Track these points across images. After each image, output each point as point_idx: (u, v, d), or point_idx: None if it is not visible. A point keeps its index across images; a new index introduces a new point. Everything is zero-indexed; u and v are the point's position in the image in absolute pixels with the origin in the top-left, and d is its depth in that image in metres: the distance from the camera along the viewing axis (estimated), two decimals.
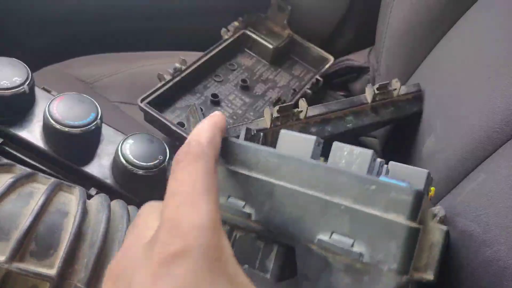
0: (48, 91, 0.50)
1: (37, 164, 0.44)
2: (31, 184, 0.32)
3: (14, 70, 0.44)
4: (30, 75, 0.45)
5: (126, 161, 0.43)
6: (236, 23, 0.66)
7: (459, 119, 0.44)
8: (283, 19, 0.67)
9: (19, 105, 0.45)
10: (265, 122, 0.44)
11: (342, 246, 0.22)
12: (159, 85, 0.55)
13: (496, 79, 0.41)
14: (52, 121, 0.43)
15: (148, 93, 0.54)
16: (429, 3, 0.55)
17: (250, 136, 0.29)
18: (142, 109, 0.53)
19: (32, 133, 0.45)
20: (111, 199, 0.45)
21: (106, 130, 0.49)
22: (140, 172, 0.43)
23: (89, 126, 0.44)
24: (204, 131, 0.23)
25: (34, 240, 0.28)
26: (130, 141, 0.45)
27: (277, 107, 0.44)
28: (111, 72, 0.63)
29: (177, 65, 0.57)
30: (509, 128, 0.38)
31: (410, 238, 0.22)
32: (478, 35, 0.48)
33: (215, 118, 0.24)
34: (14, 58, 0.46)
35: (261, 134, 0.31)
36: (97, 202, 0.33)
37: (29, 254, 0.28)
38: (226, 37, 0.64)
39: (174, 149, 0.53)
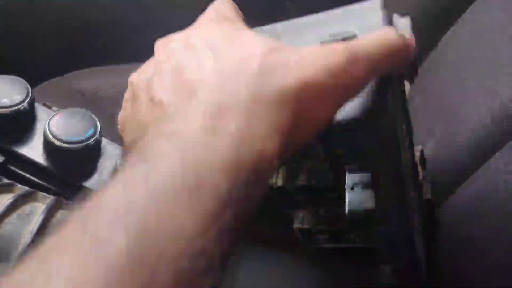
0: (49, 107, 0.51)
1: (40, 181, 0.45)
2: (31, 203, 0.32)
3: (15, 87, 0.45)
4: (30, 91, 0.46)
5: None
6: None
7: (459, 122, 0.44)
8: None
9: (19, 123, 0.45)
10: None
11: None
12: None
13: (497, 79, 0.41)
14: (52, 137, 0.43)
15: None
16: (426, 3, 0.55)
17: None
18: None
19: (34, 150, 0.45)
20: None
21: (106, 144, 0.49)
22: None
23: (88, 142, 0.44)
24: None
25: None
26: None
27: None
28: (112, 85, 0.64)
29: None
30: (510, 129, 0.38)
31: None
32: (478, 36, 0.47)
33: None
34: (14, 76, 0.47)
35: None
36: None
37: None
38: None
39: None
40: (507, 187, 0.34)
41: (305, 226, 0.38)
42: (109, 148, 0.49)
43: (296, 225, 0.38)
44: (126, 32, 0.73)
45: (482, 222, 0.36)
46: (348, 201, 0.27)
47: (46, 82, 0.64)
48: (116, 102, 0.66)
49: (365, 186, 0.27)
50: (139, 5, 0.72)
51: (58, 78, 0.65)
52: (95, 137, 0.45)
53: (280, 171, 0.34)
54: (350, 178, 0.27)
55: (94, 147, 0.45)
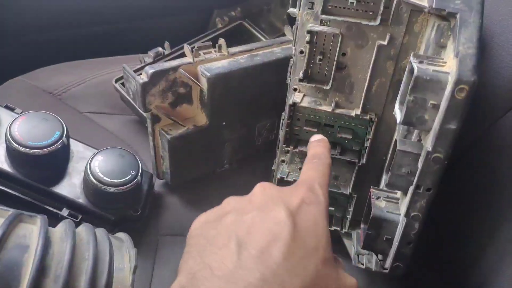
0: (12, 109, 0.48)
1: (5, 188, 0.43)
2: None
3: None
4: None
5: (96, 179, 0.42)
6: (233, 13, 0.64)
7: None
8: (284, 14, 0.65)
9: None
10: (188, 57, 0.46)
11: None
12: (138, 67, 0.54)
13: None
14: (14, 143, 0.41)
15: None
16: None
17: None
18: (116, 90, 0.55)
19: None
20: (85, 219, 0.44)
21: (75, 146, 0.47)
22: (112, 189, 0.42)
23: (54, 146, 0.42)
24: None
25: None
26: (99, 158, 0.43)
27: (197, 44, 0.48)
28: (79, 81, 0.61)
29: (160, 49, 0.56)
30: None
31: None
32: None
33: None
34: None
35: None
36: (61, 230, 0.32)
37: None
38: (220, 25, 0.63)
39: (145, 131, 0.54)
40: None
41: None
42: (78, 150, 0.47)
43: None
44: (90, 25, 0.70)
45: None
46: None
47: (8, 82, 0.60)
48: (85, 99, 0.64)
49: None
50: None
51: (21, 76, 0.62)
52: (61, 141, 0.43)
53: None
54: None
55: (61, 151, 0.43)
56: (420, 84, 0.32)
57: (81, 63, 0.64)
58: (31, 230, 0.30)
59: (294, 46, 0.45)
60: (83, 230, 0.33)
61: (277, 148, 0.51)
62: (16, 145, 0.40)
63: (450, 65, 0.33)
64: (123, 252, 0.33)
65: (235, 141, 0.53)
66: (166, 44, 0.59)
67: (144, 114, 0.47)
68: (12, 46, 0.66)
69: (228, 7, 0.68)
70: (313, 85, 0.44)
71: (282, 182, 0.50)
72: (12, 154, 0.41)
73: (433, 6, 0.34)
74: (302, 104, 0.45)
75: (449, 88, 0.31)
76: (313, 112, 0.45)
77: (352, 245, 0.49)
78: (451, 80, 0.31)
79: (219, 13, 0.67)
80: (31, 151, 0.41)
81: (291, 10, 0.45)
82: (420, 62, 0.34)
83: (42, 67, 0.64)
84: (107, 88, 0.59)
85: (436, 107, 0.33)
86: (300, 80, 0.44)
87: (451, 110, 0.31)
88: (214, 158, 0.53)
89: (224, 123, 0.50)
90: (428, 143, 0.33)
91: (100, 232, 0.34)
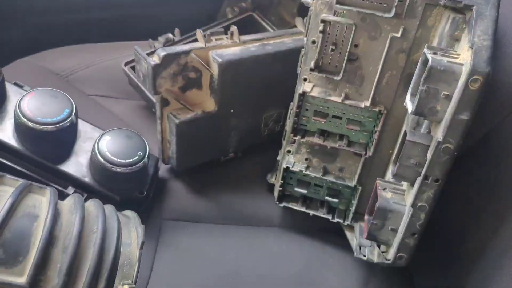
0: (21, 86, 0.48)
1: (11, 164, 0.43)
2: None
3: None
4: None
5: (104, 158, 0.42)
6: (243, 4, 0.64)
7: None
8: (293, 8, 0.66)
9: None
10: (201, 42, 0.46)
11: None
12: (148, 52, 0.54)
13: None
14: (23, 118, 0.41)
15: (133, 58, 0.53)
16: None
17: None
18: (125, 73, 0.55)
19: (4, 131, 0.43)
20: (90, 198, 0.44)
21: (82, 126, 0.47)
22: (118, 169, 0.42)
23: (63, 123, 0.42)
24: None
25: (1, 247, 0.26)
26: (107, 138, 0.43)
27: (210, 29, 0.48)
28: (87, 64, 0.61)
29: (170, 35, 0.56)
30: None
31: None
32: None
33: None
34: None
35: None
36: (70, 203, 0.32)
37: None
38: (230, 16, 0.63)
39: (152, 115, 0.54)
40: None
41: None
42: (85, 130, 0.47)
43: None
44: (100, 10, 0.70)
45: None
46: None
47: (17, 61, 0.60)
48: (92, 83, 0.64)
49: None
50: None
51: (29, 57, 0.62)
52: (70, 118, 0.43)
53: None
54: None
55: (69, 129, 0.43)
56: (434, 74, 0.33)
57: (90, 47, 0.64)
58: (41, 201, 0.30)
59: (306, 36, 0.45)
60: (92, 204, 0.33)
61: (283, 139, 0.51)
62: (25, 120, 0.40)
63: (464, 57, 0.33)
64: (131, 229, 0.33)
65: (241, 130, 0.53)
66: (177, 30, 0.59)
67: (154, 97, 0.47)
68: (22, 27, 0.66)
69: None
70: (324, 76, 0.44)
71: (288, 172, 0.50)
72: (21, 129, 0.41)
73: None
74: (312, 94, 0.45)
75: (463, 78, 0.32)
76: (322, 103, 0.46)
77: (354, 237, 0.49)
78: (465, 71, 0.31)
79: (229, 3, 0.67)
80: (39, 127, 0.41)
81: (305, 0, 0.45)
82: (434, 53, 0.34)
83: (49, 49, 0.64)
84: (115, 73, 0.59)
85: (448, 98, 0.33)
86: (311, 70, 0.44)
87: (464, 100, 0.32)
88: (219, 146, 0.53)
89: (232, 111, 0.50)
90: (439, 134, 0.34)
91: (108, 208, 0.34)
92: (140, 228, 0.33)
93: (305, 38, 0.45)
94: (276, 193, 0.52)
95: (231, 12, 0.65)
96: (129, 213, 0.36)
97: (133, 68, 0.57)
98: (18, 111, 0.41)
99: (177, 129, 0.47)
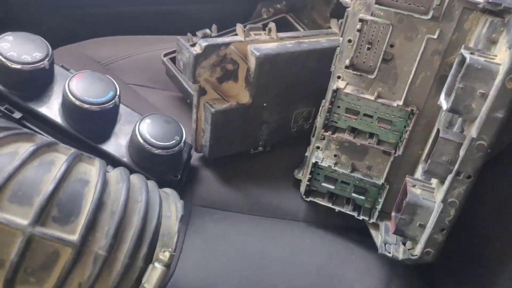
0: (67, 69, 0.50)
1: (56, 140, 0.45)
2: (52, 153, 0.32)
3: (35, 45, 0.45)
4: (51, 51, 0.45)
5: (143, 139, 0.44)
6: (278, 5, 0.66)
7: None
8: (326, 12, 0.68)
9: (38, 81, 0.45)
10: (240, 36, 0.49)
11: None
12: (186, 44, 0.56)
13: None
14: (71, 97, 0.43)
15: (173, 50, 0.57)
16: None
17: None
18: (164, 63, 0.59)
19: (51, 109, 0.45)
20: None
21: (123, 110, 0.49)
22: (157, 151, 0.44)
23: (107, 104, 0.44)
24: None
25: (56, 206, 0.28)
26: (147, 121, 0.45)
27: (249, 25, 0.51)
28: (127, 54, 0.63)
29: (208, 30, 0.59)
30: None
31: None
32: None
33: None
34: (35, 34, 0.46)
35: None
36: (116, 174, 0.34)
37: (51, 219, 0.28)
38: (265, 16, 0.65)
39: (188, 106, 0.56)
40: None
41: None
42: (126, 115, 0.49)
43: None
44: (140, 4, 0.73)
45: None
46: None
47: (58, 48, 0.63)
48: (131, 72, 0.66)
49: None
50: None
51: (73, 44, 0.65)
52: (114, 101, 0.45)
53: None
54: None
55: (112, 110, 0.45)
56: (471, 72, 0.34)
57: (129, 38, 0.67)
58: (90, 170, 0.32)
59: (341, 36, 0.46)
60: (136, 177, 0.35)
61: (312, 136, 0.53)
62: (73, 98, 0.43)
63: (501, 57, 0.34)
64: (170, 203, 0.35)
65: (272, 124, 0.55)
66: (214, 27, 0.61)
67: (192, 86, 0.49)
68: (64, 17, 0.69)
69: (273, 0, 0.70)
70: (358, 74, 0.46)
71: (316, 167, 0.51)
72: (67, 107, 0.44)
73: (489, 1, 0.35)
74: (345, 91, 0.46)
75: (500, 77, 0.32)
76: (355, 100, 0.47)
77: (380, 235, 0.49)
78: (502, 70, 0.32)
79: (265, 4, 0.70)
80: (85, 106, 0.43)
81: (344, 0, 0.47)
82: (471, 53, 0.35)
83: (90, 38, 0.67)
84: (153, 64, 0.61)
85: (484, 96, 0.34)
86: (346, 67, 0.45)
87: (499, 98, 0.32)
88: (250, 138, 0.55)
89: (264, 104, 0.52)
90: (473, 131, 0.34)
91: (150, 182, 0.36)
92: (179, 203, 0.35)
93: (341, 38, 0.47)
94: (303, 188, 0.53)
95: (266, 13, 0.67)
96: (168, 190, 0.38)
97: (171, 59, 0.59)
98: (67, 89, 0.43)
99: (212, 117, 0.49)
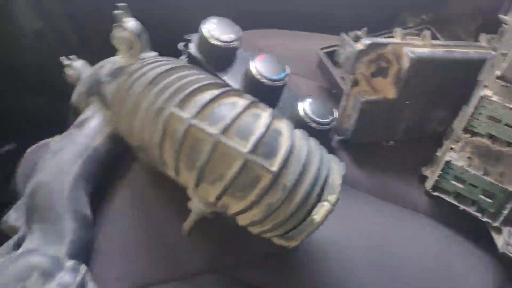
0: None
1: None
2: (256, 109, 0.42)
3: (231, 29, 0.56)
4: (241, 33, 0.57)
5: (305, 114, 0.53)
6: (424, 16, 0.72)
7: None
8: (472, 27, 0.71)
9: (228, 57, 0.57)
10: (398, 38, 0.56)
11: None
12: (350, 41, 0.64)
13: None
14: (255, 72, 0.53)
15: (329, 45, 0.66)
16: None
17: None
18: (320, 56, 0.68)
19: (234, 81, 0.56)
20: None
21: (286, 89, 0.59)
22: (313, 125, 0.53)
23: (281, 82, 0.54)
24: None
25: (263, 145, 0.38)
26: (309, 100, 0.54)
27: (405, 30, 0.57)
28: (283, 46, 0.74)
29: (359, 32, 0.67)
30: None
31: None
32: None
33: None
34: (229, 19, 0.58)
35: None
36: (300, 132, 0.43)
37: (260, 152, 0.38)
38: (410, 24, 0.71)
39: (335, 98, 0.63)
40: None
41: None
42: (288, 94, 0.59)
43: None
44: (296, 5, 0.83)
45: None
46: None
47: None
48: (287, 61, 0.76)
49: None
50: None
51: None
52: (285, 80, 0.55)
53: None
54: None
55: (281, 88, 0.55)
56: None
57: (286, 32, 0.78)
58: (282, 125, 0.42)
59: (493, 50, 0.51)
60: (312, 139, 0.44)
61: (445, 139, 0.57)
62: (257, 74, 0.53)
63: None
64: (334, 163, 0.43)
65: (409, 122, 0.61)
66: (364, 30, 0.68)
67: (348, 77, 0.57)
68: (225, 10, 0.82)
69: (417, 10, 0.75)
70: (507, 86, 0.50)
71: (448, 165, 0.55)
72: (249, 80, 0.54)
73: None
74: (492, 98, 0.50)
75: None
76: (498, 109, 0.51)
77: (501, 238, 0.53)
78: None
79: (411, 14, 0.75)
80: (265, 81, 0.53)
81: (502, 17, 0.51)
82: None
83: (252, 29, 0.79)
84: (305, 56, 0.71)
85: None
86: (498, 78, 0.50)
87: None
88: (388, 131, 0.61)
89: (407, 102, 0.58)
90: None
91: (321, 146, 0.45)
92: (342, 164, 0.43)
93: (493, 52, 0.51)
94: (431, 182, 0.58)
95: (411, 22, 0.72)
96: (331, 155, 0.46)
97: (326, 53, 0.68)
98: (253, 66, 0.54)
99: (361, 106, 0.56)
